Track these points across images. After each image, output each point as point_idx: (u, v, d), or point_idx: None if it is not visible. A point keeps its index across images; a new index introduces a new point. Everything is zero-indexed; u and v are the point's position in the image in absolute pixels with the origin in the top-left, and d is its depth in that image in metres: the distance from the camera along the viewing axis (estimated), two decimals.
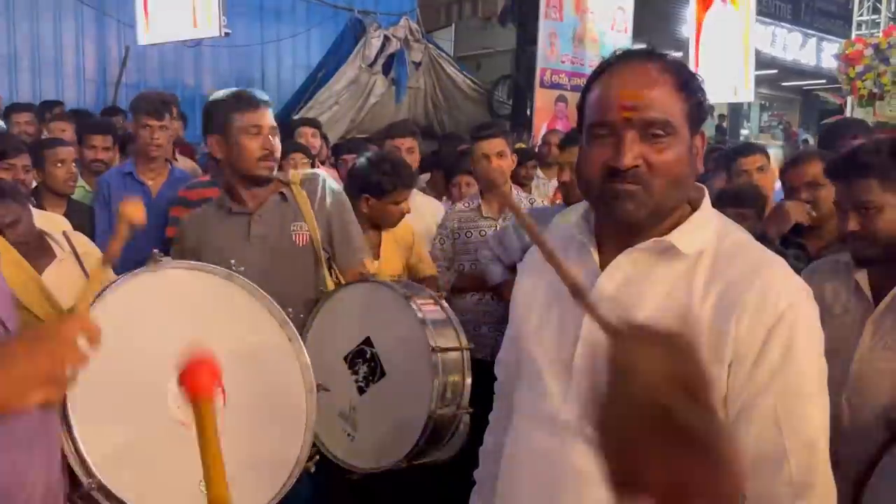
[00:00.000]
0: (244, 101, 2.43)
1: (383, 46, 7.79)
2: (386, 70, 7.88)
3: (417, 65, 8.11)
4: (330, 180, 2.66)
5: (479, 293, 3.47)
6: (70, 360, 1.04)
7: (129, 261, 1.87)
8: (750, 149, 3.38)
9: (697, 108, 1.23)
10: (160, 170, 3.89)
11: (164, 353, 1.55)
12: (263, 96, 2.49)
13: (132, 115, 3.84)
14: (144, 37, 5.89)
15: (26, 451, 1.35)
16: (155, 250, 1.56)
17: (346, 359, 2.19)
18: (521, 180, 4.64)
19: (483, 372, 3.32)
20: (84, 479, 1.56)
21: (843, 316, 2.09)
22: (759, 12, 9.22)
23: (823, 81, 14.09)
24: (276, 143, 2.44)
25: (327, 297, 2.32)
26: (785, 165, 2.91)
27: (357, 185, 3.11)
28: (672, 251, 1.25)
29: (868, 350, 2.01)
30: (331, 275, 2.48)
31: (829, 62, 13.04)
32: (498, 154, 3.48)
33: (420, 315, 2.07)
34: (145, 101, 3.78)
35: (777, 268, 1.24)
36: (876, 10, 10.54)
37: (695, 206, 1.31)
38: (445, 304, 2.21)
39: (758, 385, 1.20)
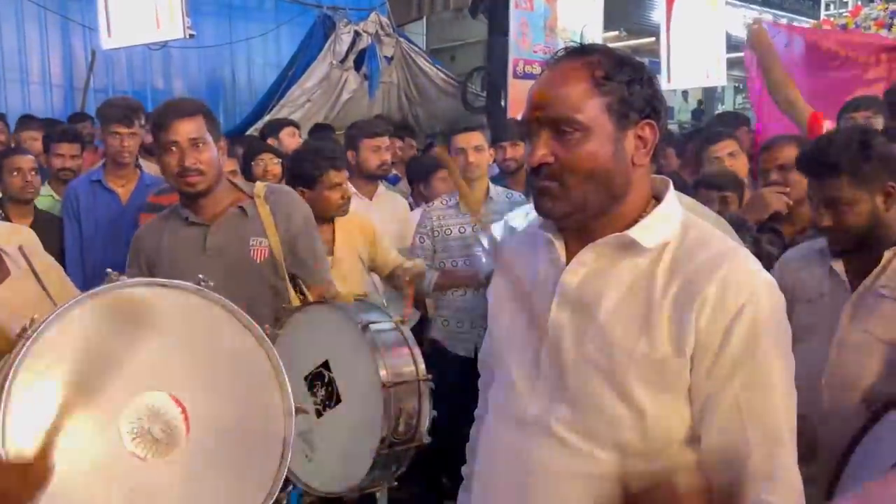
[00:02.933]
0: (159, 116, 2.36)
1: (354, 42, 7.71)
2: (358, 65, 7.80)
3: (389, 59, 8.05)
4: (296, 196, 2.60)
5: (461, 290, 3.46)
6: None
7: (101, 265, 1.80)
8: (719, 135, 3.37)
9: (622, 101, 1.23)
10: (129, 176, 3.84)
11: (123, 377, 1.47)
12: (187, 105, 2.39)
13: (100, 122, 3.78)
14: (107, 41, 5.77)
15: None
16: (109, 270, 1.49)
17: (306, 379, 2.13)
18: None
19: (466, 368, 3.33)
20: None
21: (820, 301, 2.10)
22: None
23: None
24: (203, 154, 2.32)
25: (291, 312, 2.25)
26: (758, 149, 2.92)
27: (290, 183, 3.09)
28: (634, 245, 1.27)
29: (846, 334, 2.02)
30: (296, 290, 2.44)
31: None
32: (475, 148, 3.46)
33: (375, 346, 2.02)
34: (113, 109, 3.73)
35: (740, 260, 1.25)
36: None
37: (660, 200, 1.31)
38: (406, 330, 2.16)
39: (720, 377, 1.21)
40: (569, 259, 1.32)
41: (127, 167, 3.80)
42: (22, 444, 1.33)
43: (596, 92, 1.23)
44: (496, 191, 3.61)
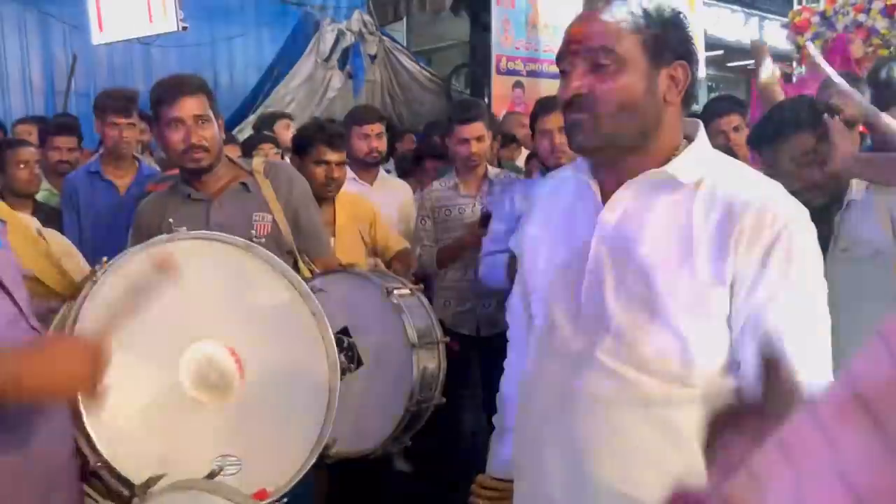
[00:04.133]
0: (164, 92, 2.37)
1: (337, 40, 7.75)
2: (342, 64, 7.84)
3: (373, 58, 8.09)
4: (294, 170, 2.64)
5: (463, 269, 3.51)
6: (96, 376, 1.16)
7: (101, 256, 1.83)
8: (726, 107, 3.41)
9: (657, 39, 1.29)
10: (127, 168, 3.84)
11: (179, 326, 1.54)
12: (190, 81, 2.41)
13: (97, 114, 3.76)
14: (98, 36, 5.73)
15: (46, 426, 1.33)
16: (170, 220, 1.54)
17: None
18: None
19: (468, 344, 3.38)
20: (91, 458, 1.53)
21: None
22: None
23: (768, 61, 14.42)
24: (207, 131, 2.35)
25: (305, 282, 2.30)
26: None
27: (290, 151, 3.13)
28: (670, 181, 1.32)
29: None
30: (304, 264, 2.47)
31: (772, 40, 13.35)
32: (477, 139, 3.51)
33: (400, 310, 2.10)
34: (111, 99, 3.72)
35: (772, 191, 1.32)
36: None
37: (691, 140, 1.37)
38: (423, 297, 2.23)
39: (759, 303, 1.27)
40: (604, 200, 1.37)
41: (125, 158, 3.80)
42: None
43: (632, 28, 1.28)
44: (494, 171, 3.67)
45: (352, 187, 3.54)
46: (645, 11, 1.30)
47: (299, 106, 7.57)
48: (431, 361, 2.11)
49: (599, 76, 1.28)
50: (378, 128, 3.90)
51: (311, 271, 2.42)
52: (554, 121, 2.97)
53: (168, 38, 6.98)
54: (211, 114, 2.39)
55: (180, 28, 5.27)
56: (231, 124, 7.65)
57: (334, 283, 2.25)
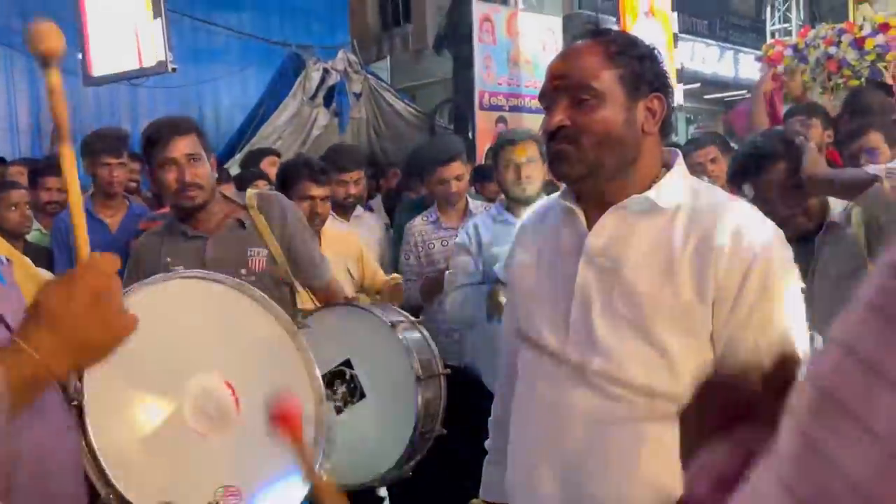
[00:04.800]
0: (156, 133, 2.42)
1: (323, 79, 7.86)
2: (327, 102, 7.95)
3: (358, 95, 8.21)
4: (286, 200, 2.68)
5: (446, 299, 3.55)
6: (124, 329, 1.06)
7: None
8: (703, 141, 3.55)
9: (633, 73, 1.37)
10: (118, 206, 3.88)
11: (178, 359, 1.58)
12: (180, 122, 2.46)
13: (88, 154, 3.80)
14: (88, 78, 5.80)
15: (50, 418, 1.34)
16: (168, 259, 1.58)
17: (324, 377, 2.21)
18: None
19: (455, 376, 3.40)
20: (102, 490, 1.56)
21: None
22: (678, 29, 9.65)
23: (744, 92, 14.73)
24: (200, 170, 2.40)
25: (308, 315, 2.33)
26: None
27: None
28: (651, 206, 1.39)
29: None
30: (304, 293, 2.50)
31: (747, 73, 13.66)
32: (457, 178, 3.58)
33: (403, 342, 2.14)
34: (102, 139, 3.78)
35: (748, 214, 1.40)
36: (786, 20, 11.18)
37: (670, 168, 1.44)
38: (424, 329, 2.27)
39: (739, 321, 1.33)
40: (589, 226, 1.44)
41: (116, 197, 3.84)
42: None
43: (610, 64, 1.37)
44: (475, 204, 3.73)
45: (328, 224, 3.60)
46: (621, 48, 1.39)
47: (285, 144, 7.65)
48: (433, 393, 2.14)
49: (580, 110, 1.36)
50: (357, 175, 3.97)
51: (314, 301, 2.45)
52: (518, 152, 3.04)
53: (154, 79, 7.07)
54: (203, 152, 2.45)
55: (170, 69, 5.34)
56: (218, 163, 7.70)
57: (336, 316, 2.29)
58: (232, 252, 2.43)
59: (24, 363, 0.98)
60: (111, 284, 1.06)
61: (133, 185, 4.39)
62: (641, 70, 1.38)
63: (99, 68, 5.69)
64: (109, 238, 3.79)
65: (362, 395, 2.14)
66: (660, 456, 1.33)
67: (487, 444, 1.73)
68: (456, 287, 3.13)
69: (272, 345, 1.72)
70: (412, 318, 2.24)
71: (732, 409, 0.65)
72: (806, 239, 2.19)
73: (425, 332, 2.24)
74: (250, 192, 2.66)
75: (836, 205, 2.17)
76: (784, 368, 0.66)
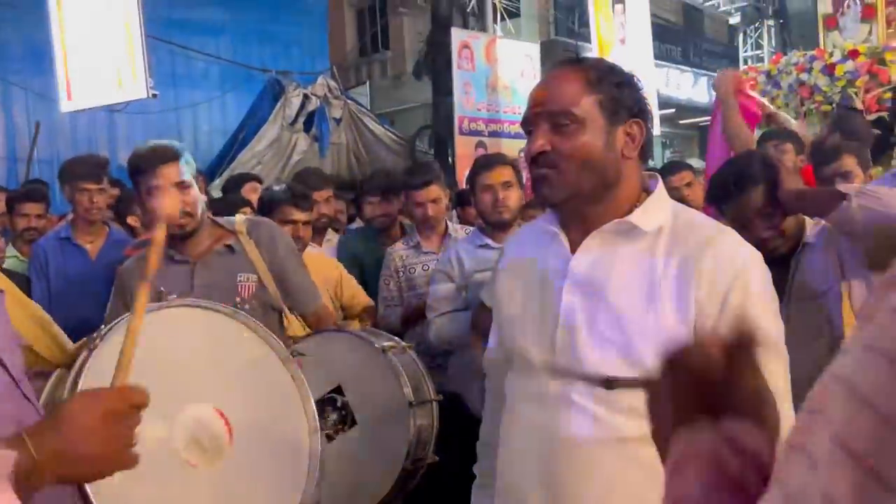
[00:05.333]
0: (142, 163, 2.37)
1: (303, 105, 7.89)
2: (307, 127, 7.97)
3: (338, 121, 8.24)
4: (276, 226, 2.66)
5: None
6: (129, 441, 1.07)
7: (72, 322, 1.83)
8: (677, 166, 3.61)
9: (613, 99, 1.40)
10: (98, 233, 3.84)
11: (171, 389, 1.55)
12: (165, 150, 2.38)
13: (66, 181, 3.77)
14: (67, 104, 5.75)
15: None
16: (161, 289, 1.57)
17: (316, 405, 2.19)
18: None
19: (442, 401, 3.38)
20: None
21: None
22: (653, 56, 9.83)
23: None
24: (188, 196, 2.35)
25: (298, 341, 2.30)
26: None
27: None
28: (633, 230, 1.42)
29: (789, 347, 2.19)
30: (295, 320, 2.47)
31: None
32: (433, 201, 3.59)
33: (397, 369, 2.11)
34: (81, 166, 3.74)
35: (728, 237, 1.42)
36: (759, 47, 11.42)
37: (651, 192, 1.47)
38: (415, 355, 2.24)
39: None
40: (572, 249, 1.46)
41: (96, 223, 3.80)
42: None
43: (589, 90, 1.40)
44: (454, 227, 3.74)
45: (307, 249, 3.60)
46: (601, 75, 1.42)
47: (265, 169, 7.65)
48: (425, 419, 2.12)
49: (561, 135, 1.39)
50: (326, 194, 3.97)
51: (306, 328, 2.42)
52: (496, 176, 3.04)
53: (133, 105, 7.04)
54: (191, 178, 2.41)
55: (150, 95, 5.32)
56: None
57: (328, 342, 2.26)
58: (221, 278, 2.40)
59: (22, 459, 0.97)
60: (131, 415, 1.08)
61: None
62: (620, 96, 1.42)
63: (78, 94, 5.65)
64: (89, 265, 3.75)
65: (353, 423, 2.12)
66: (647, 477, 1.32)
67: (476, 468, 1.72)
68: (440, 314, 3.13)
69: (267, 374, 1.69)
70: (403, 343, 2.21)
71: (697, 387, 0.65)
72: (781, 260, 2.22)
73: (416, 357, 2.21)
74: (239, 217, 2.61)
75: (812, 227, 2.20)
76: (742, 344, 0.66)
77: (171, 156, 2.39)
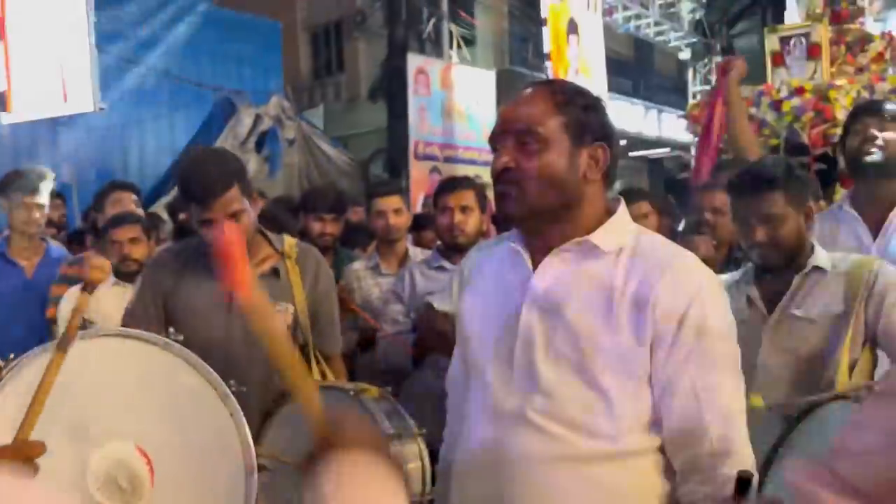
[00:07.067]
0: (199, 191, 2.14)
1: (255, 124, 7.78)
2: (258, 148, 7.85)
3: (291, 142, 8.14)
4: (322, 259, 2.48)
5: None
6: None
7: (6, 344, 1.70)
8: (637, 195, 3.59)
9: (578, 122, 1.42)
10: (35, 249, 3.68)
11: (87, 427, 1.42)
12: (219, 181, 2.10)
13: (2, 194, 3.60)
14: (7, 116, 5.51)
15: None
16: (96, 325, 1.47)
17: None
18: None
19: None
20: None
21: (742, 326, 2.27)
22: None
23: (667, 150, 15.29)
24: (244, 222, 2.12)
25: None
26: (698, 188, 3.17)
27: None
28: (594, 250, 1.43)
29: (767, 356, 2.19)
30: (316, 365, 2.31)
31: (670, 132, 14.20)
32: (395, 211, 3.54)
33: (370, 409, 1.95)
34: (21, 179, 3.58)
35: (686, 261, 1.44)
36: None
37: (613, 214, 1.48)
38: (391, 398, 2.12)
39: (676, 364, 1.36)
40: (534, 267, 1.46)
41: (32, 239, 3.64)
42: None
43: (556, 111, 1.41)
44: (414, 251, 3.69)
45: None
46: (568, 97, 1.42)
47: None
48: (414, 461, 1.92)
49: (525, 154, 1.39)
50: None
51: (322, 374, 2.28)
52: (454, 199, 3.03)
53: (78, 118, 6.83)
54: (246, 202, 2.15)
55: (97, 108, 5.15)
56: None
57: (331, 403, 2.11)
58: None
59: None
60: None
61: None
62: (586, 119, 1.42)
63: (21, 104, 5.42)
64: (25, 283, 3.58)
65: None
66: (597, 497, 1.35)
67: (434, 491, 1.68)
68: (383, 336, 3.06)
69: (201, 411, 1.56)
70: (380, 389, 2.06)
71: None
72: (767, 269, 2.22)
73: (393, 401, 2.07)
74: (290, 240, 2.39)
75: (822, 251, 2.21)
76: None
77: (223, 186, 2.11)
